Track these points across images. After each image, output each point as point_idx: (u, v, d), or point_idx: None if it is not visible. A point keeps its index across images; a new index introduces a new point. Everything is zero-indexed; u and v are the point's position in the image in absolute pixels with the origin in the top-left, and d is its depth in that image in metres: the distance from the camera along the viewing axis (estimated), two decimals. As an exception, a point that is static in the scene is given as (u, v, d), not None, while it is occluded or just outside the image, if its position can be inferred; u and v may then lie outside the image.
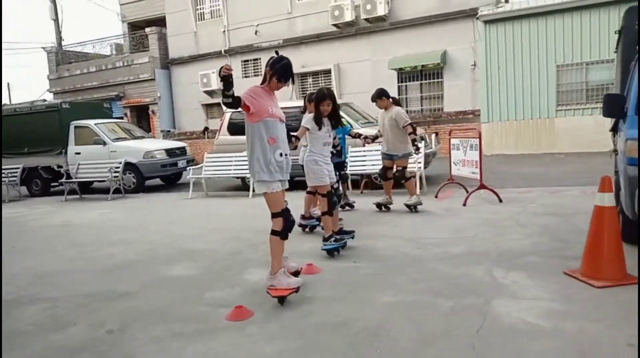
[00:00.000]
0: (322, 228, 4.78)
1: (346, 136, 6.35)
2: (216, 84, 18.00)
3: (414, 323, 2.96)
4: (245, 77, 17.94)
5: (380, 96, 6.52)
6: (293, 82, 3.70)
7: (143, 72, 19.27)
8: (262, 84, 3.55)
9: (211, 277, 4.22)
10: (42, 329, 3.34)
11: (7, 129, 12.20)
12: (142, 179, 10.94)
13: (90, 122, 11.59)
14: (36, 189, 12.01)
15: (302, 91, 16.99)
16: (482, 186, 6.64)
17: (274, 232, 3.48)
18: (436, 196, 7.23)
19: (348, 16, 15.28)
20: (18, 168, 11.30)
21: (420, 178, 7.83)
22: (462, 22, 14.20)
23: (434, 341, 2.72)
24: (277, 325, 3.08)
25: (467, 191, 6.85)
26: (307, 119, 4.63)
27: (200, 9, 18.69)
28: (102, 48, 22.82)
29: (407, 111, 14.89)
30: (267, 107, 3.41)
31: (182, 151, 11.87)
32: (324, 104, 4.51)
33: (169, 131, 18.41)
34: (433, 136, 9.39)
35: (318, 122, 4.55)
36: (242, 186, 9.77)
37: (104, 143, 11.18)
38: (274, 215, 3.49)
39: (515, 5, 12.97)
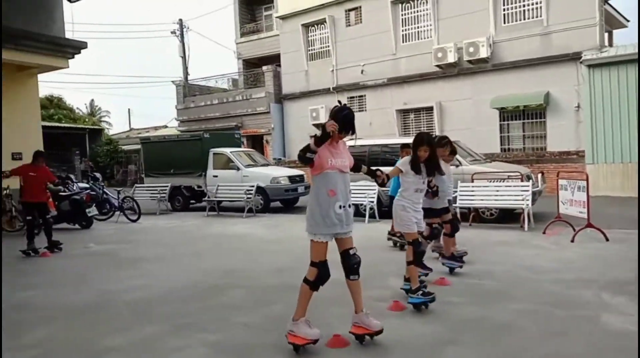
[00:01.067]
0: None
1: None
2: (324, 118, 19.74)
3: (537, 325, 3.94)
4: (351, 112, 19.50)
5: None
6: (353, 133, 3.57)
7: (259, 106, 21.54)
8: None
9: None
10: (255, 305, 4.72)
11: (157, 152, 14.64)
12: (268, 201, 12.64)
13: (227, 150, 13.61)
14: (178, 205, 14.18)
15: (404, 127, 18.17)
16: (589, 225, 7.32)
17: (306, 280, 3.53)
18: (544, 232, 7.97)
19: (451, 58, 16.33)
20: (167, 186, 13.49)
21: (528, 214, 8.58)
22: (565, 65, 14.67)
23: (555, 337, 3.70)
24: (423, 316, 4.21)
25: (574, 229, 7.53)
26: (404, 161, 4.55)
27: (312, 49, 20.69)
28: (222, 83, 25.71)
29: (508, 149, 15.71)
30: (326, 159, 3.42)
31: (300, 178, 13.45)
32: (421, 150, 4.37)
33: (280, 158, 20.33)
34: (539, 175, 10.07)
35: (414, 166, 4.40)
36: (356, 212, 11.05)
37: (238, 169, 13.09)
38: (312, 264, 3.53)
39: (619, 51, 13.30)
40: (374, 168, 4.08)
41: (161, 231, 10.39)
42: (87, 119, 36.37)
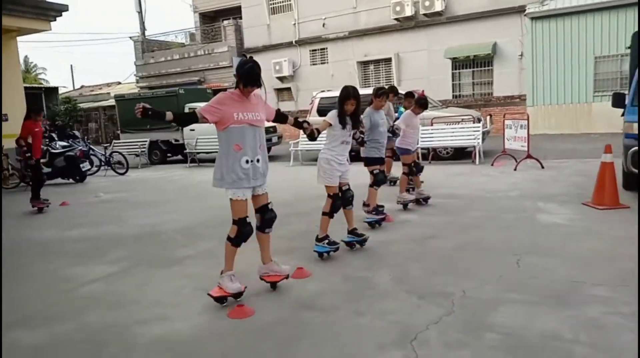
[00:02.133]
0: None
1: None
2: (287, 71, 20.54)
3: (492, 223, 5.41)
4: (313, 64, 20.40)
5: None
6: (260, 86, 3.46)
7: (222, 60, 21.95)
8: (235, 88, 3.49)
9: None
10: (277, 225, 5.93)
11: (133, 109, 15.11)
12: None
13: (201, 105, 14.33)
14: (155, 158, 14.93)
15: (364, 78, 19.32)
16: (528, 156, 8.93)
17: (228, 238, 3.55)
18: (492, 164, 9.56)
19: (408, 11, 17.41)
20: (146, 141, 14.19)
21: (479, 151, 10.13)
22: (510, 17, 16.12)
23: (505, 230, 5.16)
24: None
25: (516, 161, 9.14)
26: (332, 114, 4.49)
27: (273, 3, 21.12)
28: (181, 38, 25.66)
29: (459, 95, 17.25)
30: (231, 114, 3.35)
31: (274, 129, 14.46)
32: (347, 104, 4.36)
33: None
34: (488, 117, 11.61)
35: (342, 120, 4.40)
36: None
37: (214, 122, 13.92)
38: (232, 222, 3.53)
39: (558, 4, 14.84)
40: (300, 119, 4.14)
41: (153, 181, 11.28)
42: (25, 78, 34.98)
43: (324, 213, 4.53)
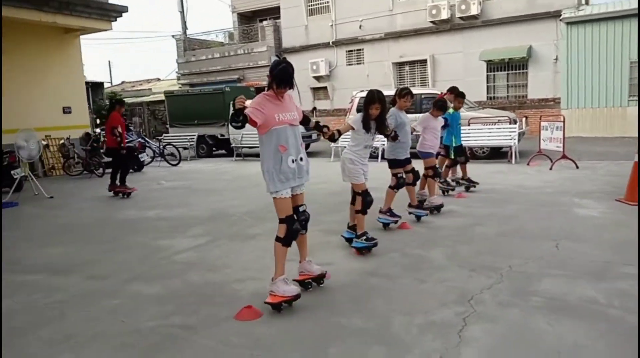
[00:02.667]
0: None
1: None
2: (324, 70, 21.21)
3: (530, 215, 5.93)
4: (349, 64, 21.01)
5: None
6: (292, 87, 3.48)
7: (261, 59, 22.76)
8: (267, 89, 3.52)
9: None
10: (332, 211, 6.57)
11: (181, 105, 16.07)
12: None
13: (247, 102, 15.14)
14: (202, 152, 15.80)
15: (400, 79, 19.82)
16: (564, 157, 9.35)
17: (277, 238, 3.51)
18: (528, 164, 10.00)
19: (444, 15, 17.84)
20: (195, 135, 15.06)
21: (515, 150, 10.57)
22: (546, 21, 16.39)
23: (542, 220, 5.68)
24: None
25: (552, 161, 9.56)
26: (356, 118, 4.59)
27: (311, 5, 21.80)
28: (220, 37, 26.63)
29: (494, 97, 17.60)
30: (273, 116, 3.39)
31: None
32: (372, 108, 4.41)
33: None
34: (524, 119, 12.02)
35: (366, 124, 4.49)
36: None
37: (259, 119, 14.71)
38: (280, 221, 3.51)
39: (594, 9, 15.07)
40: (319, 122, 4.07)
41: (207, 172, 12.09)
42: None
43: (357, 211, 4.62)
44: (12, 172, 9.06)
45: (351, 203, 4.86)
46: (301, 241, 3.80)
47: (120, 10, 12.18)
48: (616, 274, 3.85)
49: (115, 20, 12.22)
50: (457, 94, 7.41)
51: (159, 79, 35.98)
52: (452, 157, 7.43)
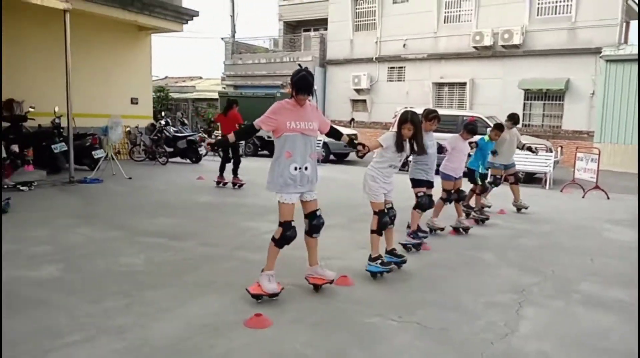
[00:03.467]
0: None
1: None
2: (365, 84, 22.14)
3: (564, 234, 6.70)
4: (390, 81, 21.92)
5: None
6: (311, 95, 3.66)
7: (305, 68, 23.82)
8: (290, 97, 3.69)
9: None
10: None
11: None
12: (328, 153, 15.37)
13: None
14: (249, 151, 16.83)
15: (438, 99, 20.65)
16: (596, 187, 10.06)
17: (273, 238, 3.77)
18: (561, 190, 10.72)
19: (487, 42, 18.65)
20: (242, 134, 16.10)
21: (550, 177, 11.31)
22: (585, 57, 17.06)
23: (576, 239, 6.45)
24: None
25: (584, 190, 10.27)
26: (387, 136, 4.60)
27: (358, 21, 22.82)
28: (266, 43, 27.84)
29: (529, 125, 18.28)
30: (285, 123, 3.58)
31: (355, 136, 16.07)
32: (404, 128, 4.42)
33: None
34: (559, 149, 12.73)
35: (399, 144, 4.43)
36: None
37: (305, 125, 15.75)
38: (279, 224, 3.72)
39: (634, 50, 15.71)
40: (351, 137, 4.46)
41: (261, 169, 12.90)
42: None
43: (372, 231, 4.51)
44: (93, 153, 10.15)
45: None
46: (313, 245, 4.00)
47: (192, 15, 13.31)
48: (599, 291, 4.64)
49: (187, 23, 13.35)
50: (510, 121, 7.99)
51: (200, 78, 37.38)
52: (480, 183, 7.29)
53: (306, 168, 3.70)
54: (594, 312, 3.88)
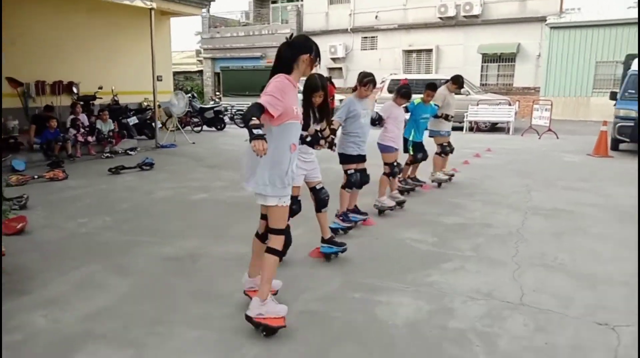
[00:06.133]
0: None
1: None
2: (341, 53, 24.51)
3: (534, 161, 9.76)
4: (364, 50, 24.43)
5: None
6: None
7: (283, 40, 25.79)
8: (288, 73, 2.87)
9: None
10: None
11: (234, 78, 19.23)
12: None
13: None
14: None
15: (408, 64, 23.42)
16: (549, 130, 13.28)
17: (273, 251, 2.88)
18: (522, 135, 13.89)
19: (451, 12, 21.47)
20: (248, 104, 18.24)
21: (511, 126, 14.47)
22: (533, 24, 20.29)
23: (541, 163, 9.52)
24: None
25: (539, 133, 13.46)
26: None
27: (332, -5, 25.01)
28: (240, 16, 29.43)
29: (486, 84, 21.50)
30: (292, 107, 2.78)
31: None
32: (315, 96, 3.73)
33: (303, 85, 25.21)
34: (517, 103, 15.90)
35: (313, 116, 3.81)
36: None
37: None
38: (276, 232, 2.89)
39: (573, 18, 19.08)
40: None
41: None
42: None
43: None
44: (152, 124, 12.20)
45: (316, 210, 4.13)
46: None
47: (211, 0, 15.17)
48: (577, 184, 7.69)
49: (206, 7, 15.15)
50: (454, 84, 7.06)
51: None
52: (412, 153, 6.62)
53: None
54: (564, 191, 6.85)
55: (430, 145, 6.97)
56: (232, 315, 3.11)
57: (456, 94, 7.28)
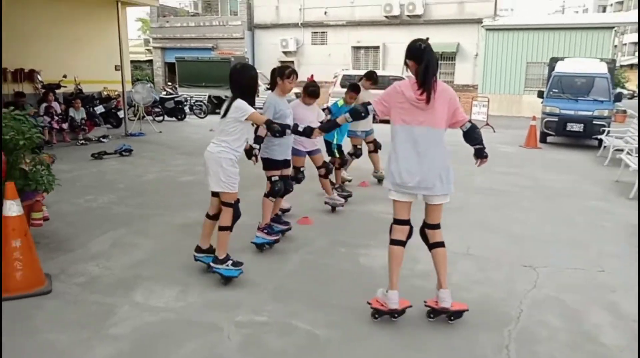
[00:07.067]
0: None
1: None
2: (292, 47, 25.21)
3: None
4: (314, 44, 25.26)
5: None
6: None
7: (235, 32, 26.13)
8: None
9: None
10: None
11: (191, 69, 19.48)
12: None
13: (249, 71, 19.05)
14: (207, 109, 19.37)
15: (356, 60, 24.52)
16: (487, 124, 14.74)
17: (392, 240, 3.34)
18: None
19: (396, 11, 22.74)
20: (206, 95, 18.60)
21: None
22: (471, 25, 21.95)
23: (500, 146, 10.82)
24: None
25: (477, 126, 14.88)
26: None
27: (282, -11, 25.60)
28: (189, 6, 29.39)
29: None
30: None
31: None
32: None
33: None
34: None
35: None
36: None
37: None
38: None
39: (506, 21, 20.91)
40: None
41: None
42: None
43: (225, 228, 3.63)
44: (117, 113, 12.48)
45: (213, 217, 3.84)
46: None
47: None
48: (505, 170, 8.98)
49: (163, -2, 15.36)
50: (367, 80, 6.95)
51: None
52: (338, 156, 6.35)
53: None
54: (500, 175, 8.04)
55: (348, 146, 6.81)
56: (240, 258, 3.87)
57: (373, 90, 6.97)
